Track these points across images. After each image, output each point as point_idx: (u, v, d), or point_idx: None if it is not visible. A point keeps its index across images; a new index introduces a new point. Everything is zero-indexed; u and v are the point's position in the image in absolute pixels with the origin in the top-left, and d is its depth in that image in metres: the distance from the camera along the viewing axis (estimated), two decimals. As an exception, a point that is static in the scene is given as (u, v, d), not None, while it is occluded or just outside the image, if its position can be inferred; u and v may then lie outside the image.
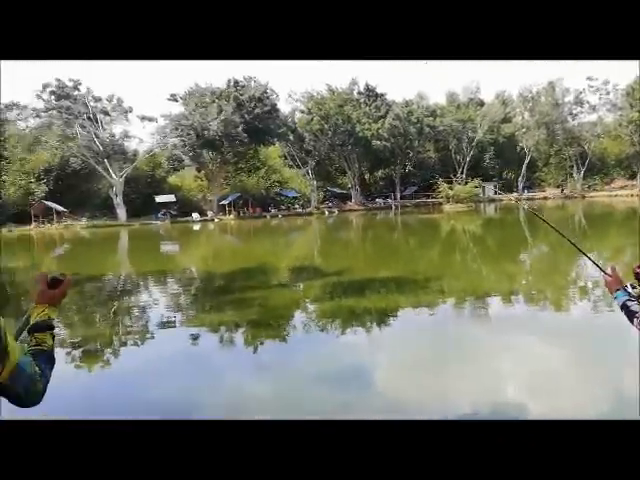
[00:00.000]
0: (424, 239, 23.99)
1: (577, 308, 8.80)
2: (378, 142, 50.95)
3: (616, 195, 53.73)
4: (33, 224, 40.18)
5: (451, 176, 55.77)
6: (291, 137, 49.93)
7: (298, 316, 9.00)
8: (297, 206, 51.29)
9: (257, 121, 44.19)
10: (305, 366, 6.16)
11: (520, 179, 62.94)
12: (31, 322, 1.44)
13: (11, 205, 41.58)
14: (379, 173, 61.12)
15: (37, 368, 1.30)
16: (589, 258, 2.39)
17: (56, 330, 1.46)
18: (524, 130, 61.05)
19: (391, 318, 8.53)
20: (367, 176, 60.46)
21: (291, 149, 50.66)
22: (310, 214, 47.77)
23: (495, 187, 59.48)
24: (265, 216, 46.16)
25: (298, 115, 53.23)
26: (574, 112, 60.48)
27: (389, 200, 57.15)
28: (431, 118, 56.55)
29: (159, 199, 44.55)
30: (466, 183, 53.41)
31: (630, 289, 2.01)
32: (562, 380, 5.20)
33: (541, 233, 23.41)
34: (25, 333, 1.45)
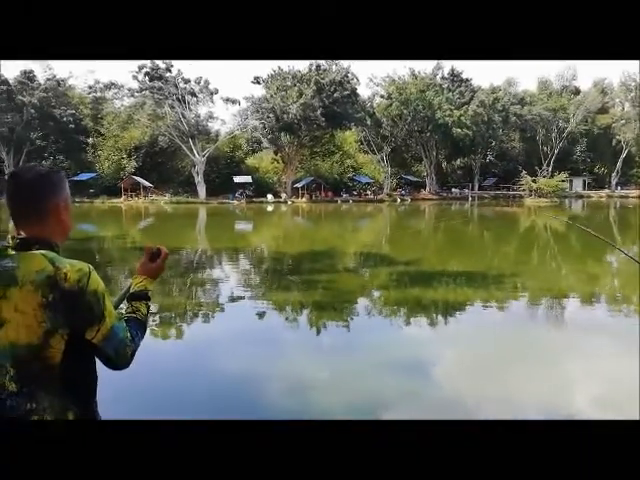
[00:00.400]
0: (500, 233, 22.94)
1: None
2: (459, 130, 49.05)
3: None
4: (123, 197, 43.32)
5: (536, 168, 52.57)
6: (368, 122, 49.42)
7: (363, 302, 9.02)
8: (369, 192, 50.96)
9: (336, 105, 44.18)
10: (365, 352, 6.18)
11: (614, 175, 58.00)
12: (130, 291, 1.57)
13: (105, 179, 45.07)
14: (457, 162, 58.97)
15: (129, 334, 1.41)
16: None
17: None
18: (623, 122, 56.02)
19: (458, 312, 8.30)
20: (444, 165, 58.63)
21: (367, 134, 50.18)
22: (381, 201, 47.29)
23: (585, 182, 55.40)
24: (336, 201, 46.36)
25: (377, 100, 52.53)
26: (683, 103, 54.52)
27: (466, 190, 55.09)
28: (519, 106, 53.42)
29: (237, 179, 46.17)
30: (552, 176, 50.16)
31: None
32: (632, 392, 4.81)
33: (632, 234, 21.55)
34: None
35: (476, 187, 56.38)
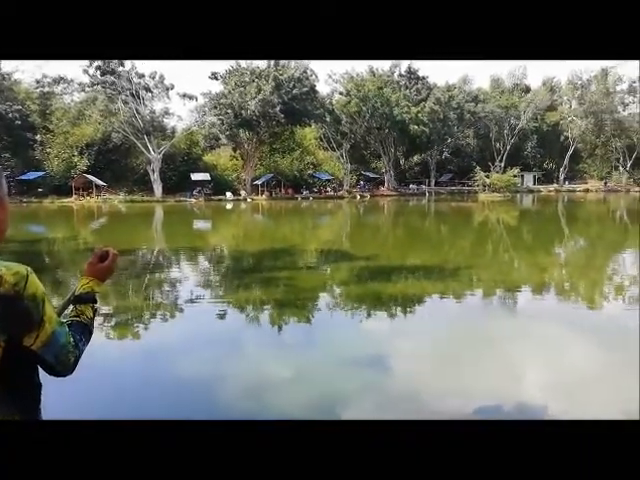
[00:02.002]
0: (456, 227, 23.57)
1: (610, 305, 8.50)
2: (416, 127, 49.95)
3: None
4: (74, 197, 41.65)
5: (489, 164, 54.30)
6: (328, 119, 49.56)
7: (324, 298, 9.05)
8: (329, 189, 51.18)
9: (295, 102, 44.02)
10: (327, 348, 6.21)
11: (562, 170, 60.69)
12: (76, 293, 1.49)
13: (54, 177, 43.18)
14: (414, 158, 60.10)
15: (72, 339, 1.33)
16: None
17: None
18: (570, 119, 58.60)
19: (417, 305, 8.48)
20: (402, 161, 59.60)
21: (327, 131, 50.33)
22: (341, 197, 47.61)
23: (535, 177, 57.68)
24: (297, 198, 46.29)
25: (336, 96, 52.73)
26: (626, 102, 57.61)
27: (423, 186, 56.25)
28: (473, 104, 54.96)
29: (194, 177, 45.27)
30: (504, 172, 51.96)
31: None
32: (584, 377, 5.06)
33: (579, 226, 22.64)
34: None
35: (432, 183, 57.65)
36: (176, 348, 6.28)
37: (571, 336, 6.63)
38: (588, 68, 59.69)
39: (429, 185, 56.74)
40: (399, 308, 8.26)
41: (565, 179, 60.88)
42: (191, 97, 45.54)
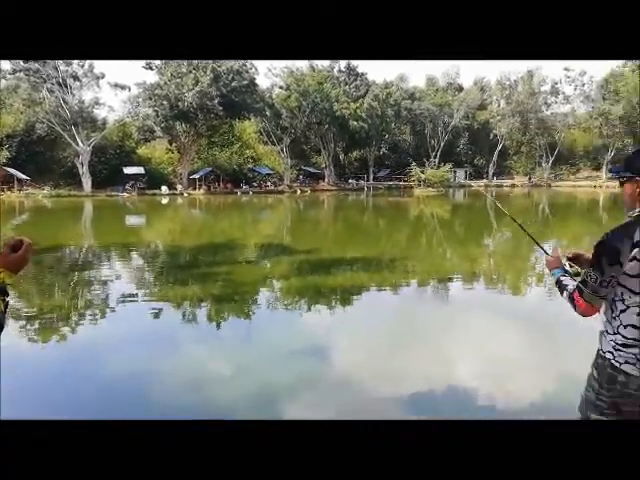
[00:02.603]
0: (393, 221, 24.22)
1: (533, 292, 9.08)
2: (355, 122, 50.76)
3: (580, 186, 55.28)
4: (-7, 191, 38.63)
5: (424, 160, 56.18)
6: (268, 113, 49.14)
7: (264, 293, 8.99)
8: (269, 184, 50.87)
9: (234, 94, 43.24)
10: (267, 343, 6.18)
11: (491, 166, 63.94)
12: None
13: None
14: (354, 154, 61.05)
15: None
16: (534, 240, 2.63)
17: (12, 302, 1.41)
18: (499, 118, 61.79)
19: (355, 297, 8.62)
20: (342, 156, 60.33)
21: (267, 125, 49.89)
22: (282, 192, 47.47)
23: (466, 173, 60.39)
24: (236, 192, 45.62)
25: (276, 91, 52.38)
26: (549, 102, 61.53)
27: (362, 182, 57.29)
28: (409, 101, 56.59)
29: (127, 170, 43.36)
30: (438, 167, 53.96)
31: (568, 267, 2.30)
32: (510, 361, 5.37)
33: (507, 219, 23.84)
34: None
35: (371, 178, 58.83)
36: (108, 348, 6.00)
37: (498, 322, 7.02)
38: (516, 69, 63.25)
39: (368, 180, 57.86)
40: (339, 300, 8.37)
41: (494, 175, 64.18)
42: (123, 87, 43.54)
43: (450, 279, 10.05)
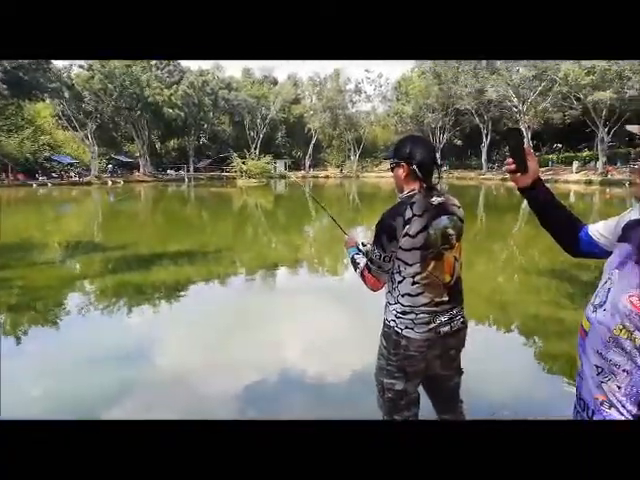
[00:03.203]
0: (217, 212, 23.88)
1: (349, 274, 9.91)
2: (170, 110, 48.39)
3: (383, 177, 62.31)
4: None
5: (245, 151, 56.65)
6: (66, 94, 43.51)
7: (73, 297, 7.98)
8: (73, 174, 45.39)
9: (22, 72, 37.13)
10: (81, 350, 5.49)
11: (307, 158, 67.71)
12: None
13: None
14: (171, 143, 58.31)
15: None
16: (336, 223, 2.90)
17: None
18: (312, 112, 65.58)
19: (182, 293, 8.24)
20: (158, 145, 57.08)
21: (66, 108, 44.18)
22: (89, 184, 42.82)
23: (286, 164, 62.78)
24: (31, 185, 39.58)
25: (76, 70, 46.62)
26: (354, 100, 67.50)
27: (182, 172, 55.14)
28: (226, 91, 56.16)
29: None
30: (259, 159, 55.00)
31: (361, 247, 2.54)
32: (336, 338, 5.77)
33: (319, 208, 25.56)
34: None
35: (192, 168, 56.99)
36: None
37: (322, 303, 7.47)
38: (324, 68, 67.64)
39: (188, 171, 55.90)
40: (163, 298, 7.89)
41: (310, 166, 68.12)
42: None
43: (276, 266, 10.32)
